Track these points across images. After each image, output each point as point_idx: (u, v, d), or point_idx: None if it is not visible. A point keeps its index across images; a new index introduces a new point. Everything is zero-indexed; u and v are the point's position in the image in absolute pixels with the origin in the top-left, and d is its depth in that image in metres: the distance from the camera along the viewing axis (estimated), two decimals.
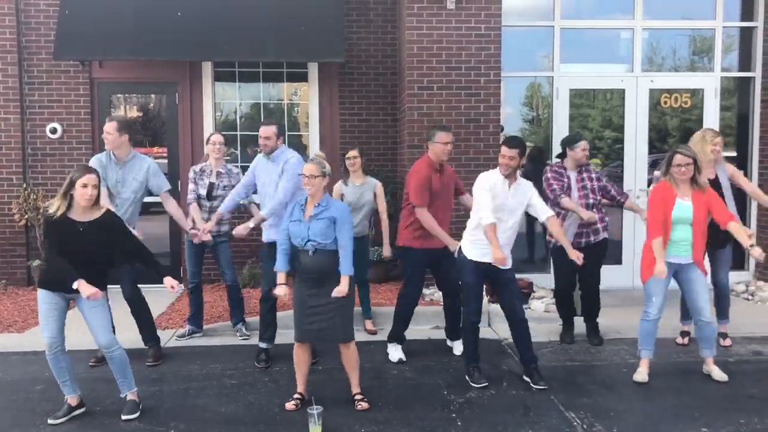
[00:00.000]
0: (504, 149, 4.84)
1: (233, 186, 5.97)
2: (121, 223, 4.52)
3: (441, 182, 5.49)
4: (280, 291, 4.49)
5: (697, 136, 5.76)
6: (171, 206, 5.84)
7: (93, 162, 5.42)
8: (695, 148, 5.63)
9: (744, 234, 4.83)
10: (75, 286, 4.11)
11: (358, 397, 4.57)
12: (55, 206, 4.22)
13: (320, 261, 4.42)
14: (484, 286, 5.17)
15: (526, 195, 4.96)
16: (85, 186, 4.16)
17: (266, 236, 5.53)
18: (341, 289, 4.38)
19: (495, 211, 4.81)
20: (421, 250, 5.45)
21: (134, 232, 5.14)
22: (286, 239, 4.55)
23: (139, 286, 5.59)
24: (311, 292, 4.46)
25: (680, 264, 4.99)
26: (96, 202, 4.28)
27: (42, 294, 4.31)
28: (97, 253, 4.29)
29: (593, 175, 5.93)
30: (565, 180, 5.82)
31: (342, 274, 4.41)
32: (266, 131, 5.46)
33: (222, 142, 6.12)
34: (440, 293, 6.81)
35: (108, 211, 4.44)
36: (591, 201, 5.83)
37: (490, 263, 4.84)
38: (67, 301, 4.37)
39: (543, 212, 4.97)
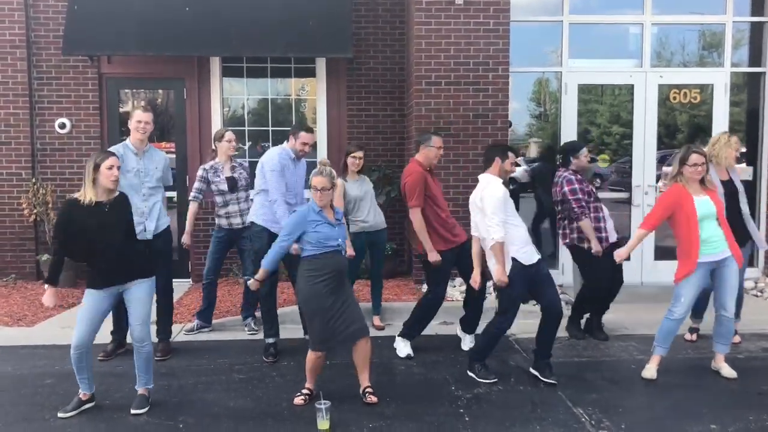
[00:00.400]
0: (513, 156, 5.04)
1: (249, 178, 6.09)
2: (127, 206, 4.51)
3: (435, 185, 5.55)
4: (255, 285, 4.61)
5: (722, 138, 5.71)
6: None
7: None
8: (717, 150, 5.64)
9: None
10: (46, 287, 4.28)
11: (368, 390, 4.57)
12: (88, 195, 4.25)
13: (343, 262, 4.53)
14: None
15: None
16: (110, 168, 4.26)
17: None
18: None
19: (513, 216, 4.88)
20: (447, 250, 5.43)
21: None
22: (290, 242, 4.51)
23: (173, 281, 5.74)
24: (335, 295, 4.43)
25: (716, 261, 4.92)
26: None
27: (88, 293, 4.33)
28: (127, 230, 4.39)
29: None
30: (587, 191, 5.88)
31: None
32: (310, 138, 5.59)
33: (236, 139, 6.23)
34: (452, 290, 6.83)
35: (122, 193, 4.51)
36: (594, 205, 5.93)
37: (537, 262, 4.88)
38: (116, 297, 4.40)
39: None
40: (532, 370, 5.04)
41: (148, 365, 4.48)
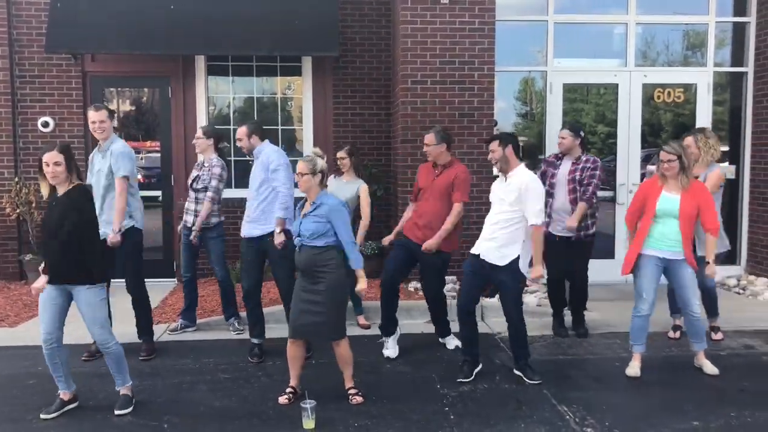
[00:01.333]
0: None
1: (207, 178, 5.95)
2: (83, 194, 4.27)
3: (431, 181, 5.49)
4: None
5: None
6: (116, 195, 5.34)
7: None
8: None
9: (712, 249, 5.00)
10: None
11: (351, 391, 4.57)
12: (42, 190, 4.32)
13: (306, 258, 4.45)
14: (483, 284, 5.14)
15: (516, 189, 4.80)
16: (47, 164, 4.18)
17: (244, 231, 5.56)
18: (361, 287, 4.53)
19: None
20: (404, 236, 5.59)
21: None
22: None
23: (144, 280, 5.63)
24: (303, 287, 4.49)
25: (668, 259, 5.00)
26: (67, 179, 4.23)
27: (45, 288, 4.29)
28: (65, 229, 4.14)
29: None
30: None
31: (353, 267, 4.48)
32: (238, 132, 5.60)
33: (199, 136, 6.09)
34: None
35: (77, 186, 4.27)
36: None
37: (478, 256, 4.92)
38: (69, 294, 4.30)
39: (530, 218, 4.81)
40: (515, 372, 5.07)
41: (119, 365, 4.43)
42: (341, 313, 4.54)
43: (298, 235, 4.48)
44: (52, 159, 4.17)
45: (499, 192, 4.92)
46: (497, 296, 6.77)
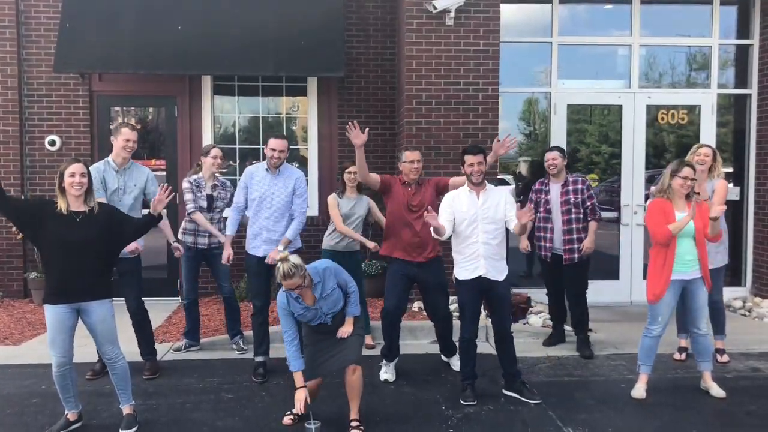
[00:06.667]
0: (467, 157, 4.97)
1: (229, 198, 6.01)
2: (116, 209, 4.55)
3: (417, 200, 5.45)
4: (300, 398, 4.31)
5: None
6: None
7: (92, 170, 5.43)
8: None
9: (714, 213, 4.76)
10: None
11: (354, 423, 4.38)
12: (60, 205, 4.21)
13: (337, 322, 4.49)
14: (482, 303, 5.12)
15: (498, 202, 4.94)
16: (72, 175, 4.18)
17: (253, 251, 5.58)
18: (346, 329, 4.45)
19: (464, 224, 4.89)
20: (397, 261, 5.48)
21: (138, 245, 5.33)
22: (293, 330, 4.40)
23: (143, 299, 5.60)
24: (326, 338, 4.48)
25: (687, 280, 4.94)
26: (89, 194, 4.29)
27: (48, 310, 4.20)
28: (96, 246, 4.20)
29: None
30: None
31: (347, 315, 4.48)
32: (281, 144, 5.51)
33: (222, 156, 6.16)
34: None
35: (104, 205, 4.45)
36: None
37: (479, 277, 4.88)
38: (75, 312, 4.25)
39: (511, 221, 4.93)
40: (509, 393, 5.04)
41: (126, 381, 4.42)
42: (361, 340, 4.63)
43: (321, 321, 4.41)
44: (79, 170, 4.21)
45: (480, 209, 4.88)
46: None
